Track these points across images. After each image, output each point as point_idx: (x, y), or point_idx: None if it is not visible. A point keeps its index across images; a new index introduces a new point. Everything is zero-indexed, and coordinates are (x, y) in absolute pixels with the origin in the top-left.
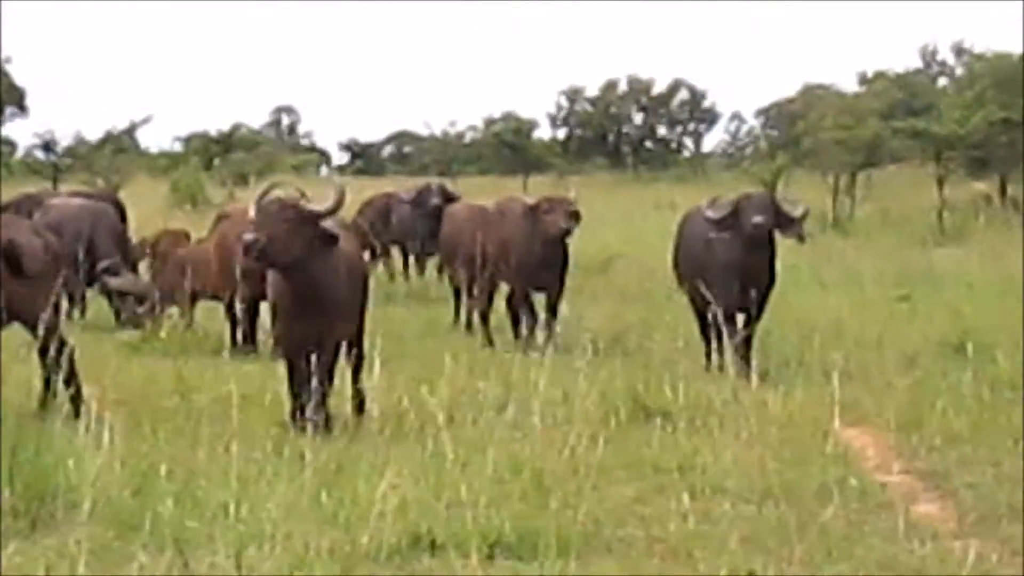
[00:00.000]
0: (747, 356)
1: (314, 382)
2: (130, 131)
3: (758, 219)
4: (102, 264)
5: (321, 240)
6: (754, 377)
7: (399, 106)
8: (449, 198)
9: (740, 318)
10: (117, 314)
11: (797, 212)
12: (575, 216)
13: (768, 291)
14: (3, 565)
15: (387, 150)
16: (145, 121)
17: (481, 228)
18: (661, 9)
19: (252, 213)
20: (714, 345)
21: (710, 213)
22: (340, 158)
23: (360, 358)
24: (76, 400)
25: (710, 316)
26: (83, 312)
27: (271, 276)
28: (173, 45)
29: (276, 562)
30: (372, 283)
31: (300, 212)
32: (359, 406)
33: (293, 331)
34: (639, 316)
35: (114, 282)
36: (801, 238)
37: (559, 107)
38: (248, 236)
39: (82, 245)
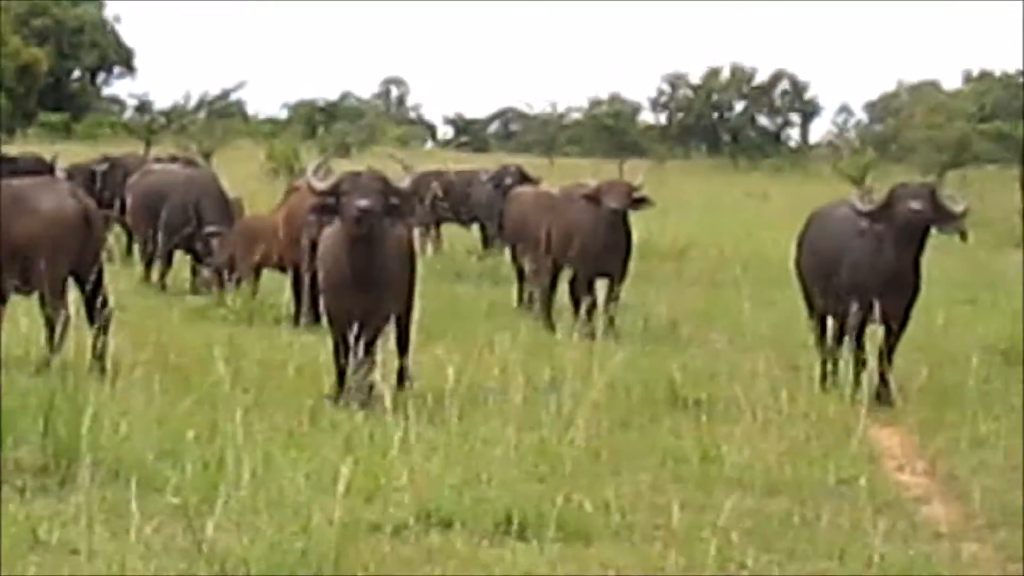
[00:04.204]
0: (885, 374)
1: (359, 355)
2: (224, 96)
3: (915, 205)
4: (207, 230)
5: (395, 216)
6: (895, 396)
7: (508, 83)
8: (526, 180)
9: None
10: (193, 280)
11: (959, 207)
12: (638, 200)
13: (913, 299)
14: (32, 519)
15: (493, 127)
16: (240, 86)
17: (546, 212)
18: None
19: (319, 185)
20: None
21: (859, 205)
22: (445, 132)
23: (407, 333)
24: (102, 359)
25: (831, 326)
26: (163, 276)
27: (325, 249)
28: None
29: (280, 529)
30: (441, 262)
31: (390, 186)
32: (401, 381)
33: (344, 304)
34: (702, 306)
35: (213, 249)
36: (963, 235)
37: (661, 92)
38: (364, 203)
39: (190, 212)
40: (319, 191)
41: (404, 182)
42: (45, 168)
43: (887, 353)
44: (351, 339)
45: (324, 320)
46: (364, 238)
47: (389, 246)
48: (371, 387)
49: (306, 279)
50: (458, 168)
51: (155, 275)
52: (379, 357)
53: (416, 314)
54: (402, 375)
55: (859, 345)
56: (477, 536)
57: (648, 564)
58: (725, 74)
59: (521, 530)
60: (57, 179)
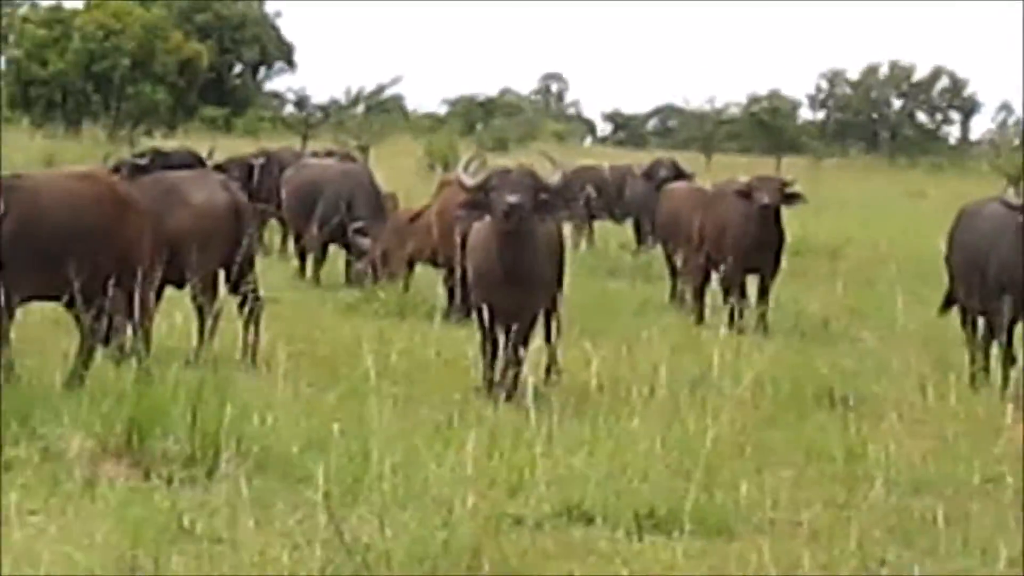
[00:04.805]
0: None
1: (508, 351)
2: (379, 91)
3: None
4: (355, 225)
5: (544, 212)
6: None
7: (666, 79)
8: (680, 174)
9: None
10: (347, 274)
11: None
12: (790, 196)
13: None
14: (178, 509)
15: (651, 123)
16: (395, 81)
17: (698, 208)
18: None
19: (469, 181)
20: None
21: (1013, 200)
22: (603, 128)
23: (554, 328)
24: (251, 352)
25: (981, 326)
26: (316, 270)
27: (475, 244)
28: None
29: (423, 523)
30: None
31: (539, 182)
32: (548, 374)
33: (493, 299)
34: (854, 304)
35: (364, 243)
36: None
37: (819, 89)
38: (513, 199)
39: (342, 206)
40: (469, 187)
41: (553, 178)
42: (197, 162)
43: None
44: (499, 333)
45: (473, 314)
46: (513, 234)
47: (538, 241)
48: (518, 381)
49: (458, 273)
50: (611, 164)
51: (309, 269)
52: (525, 352)
53: (566, 309)
54: (549, 368)
55: (1009, 343)
56: (618, 530)
57: (787, 561)
58: (883, 71)
59: (662, 525)
60: (209, 172)
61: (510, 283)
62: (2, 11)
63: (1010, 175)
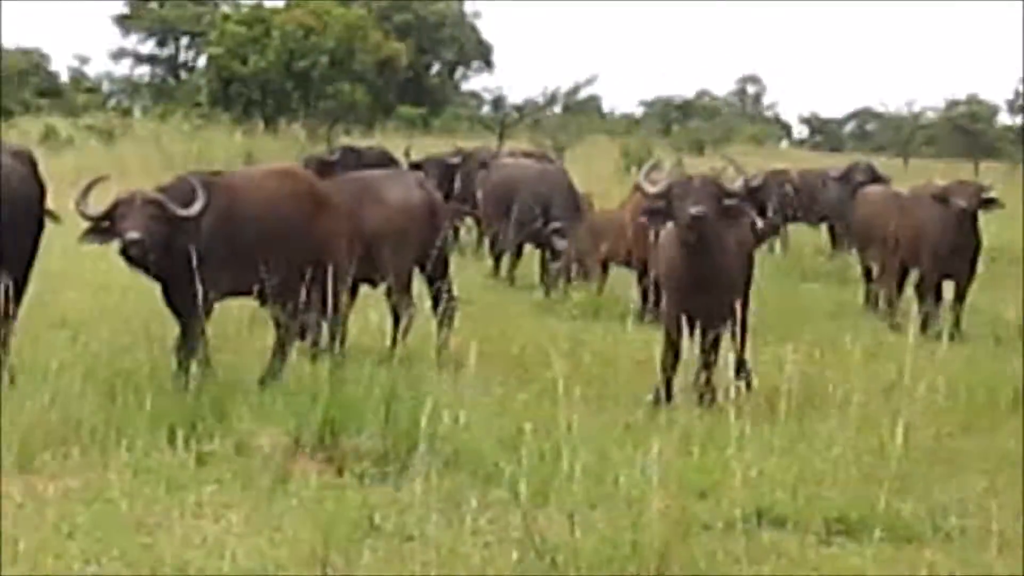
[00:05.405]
0: None
1: (700, 354)
2: (574, 91)
3: None
4: (553, 225)
5: (731, 217)
6: None
7: (864, 82)
8: (876, 178)
9: None
10: (542, 274)
11: None
12: (987, 201)
13: None
14: (370, 505)
15: (848, 126)
16: (590, 81)
17: (893, 212)
18: None
19: (650, 189)
20: None
21: None
22: (799, 131)
23: (744, 332)
24: (444, 350)
25: None
26: (511, 269)
27: (662, 249)
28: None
29: (612, 524)
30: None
31: (723, 189)
32: (737, 374)
33: (681, 304)
34: None
35: (560, 244)
36: None
37: (1017, 94)
38: (696, 210)
39: (539, 206)
40: (650, 195)
41: (737, 184)
42: (390, 161)
43: None
44: (687, 338)
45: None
46: (697, 243)
47: (725, 246)
48: (710, 385)
49: (651, 275)
50: (801, 168)
51: (504, 269)
52: (717, 355)
53: (760, 313)
54: (739, 368)
55: None
56: (808, 535)
57: (978, 570)
58: None
59: (852, 530)
60: (404, 171)
61: (698, 288)
62: (204, 10)
63: None
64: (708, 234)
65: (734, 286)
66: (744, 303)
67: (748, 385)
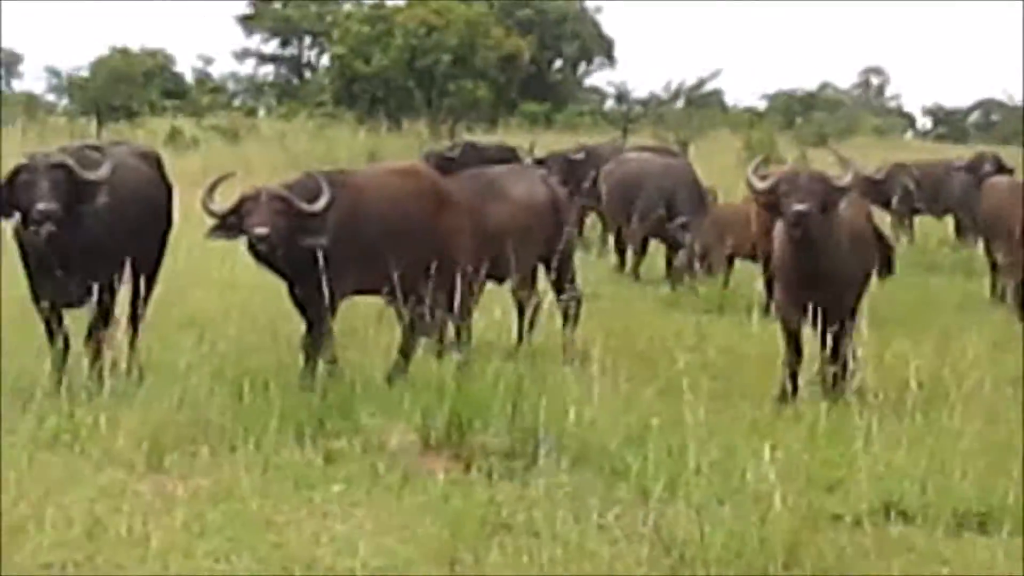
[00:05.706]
0: None
1: (823, 350)
2: (699, 85)
3: None
4: (678, 220)
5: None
6: None
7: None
8: (1002, 169)
9: None
10: (667, 269)
11: None
12: None
13: None
14: (497, 502)
15: (973, 117)
16: (715, 75)
17: (1019, 204)
18: None
19: (758, 185)
20: None
21: None
22: (923, 123)
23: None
24: (570, 346)
25: None
26: (636, 265)
27: (778, 244)
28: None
29: (739, 519)
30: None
31: (830, 185)
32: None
33: (796, 299)
34: None
35: (685, 238)
36: None
37: None
38: (801, 207)
39: (663, 201)
40: (758, 191)
41: (844, 179)
42: (511, 155)
43: None
44: (801, 334)
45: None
46: (803, 239)
47: (839, 240)
48: (836, 379)
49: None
50: (919, 159)
51: (629, 264)
52: (842, 349)
53: (887, 306)
54: (845, 366)
55: None
56: (937, 529)
57: None
58: None
59: (981, 524)
60: (528, 167)
61: (810, 285)
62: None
63: None
64: (814, 229)
65: (849, 280)
66: (858, 297)
67: (836, 380)
